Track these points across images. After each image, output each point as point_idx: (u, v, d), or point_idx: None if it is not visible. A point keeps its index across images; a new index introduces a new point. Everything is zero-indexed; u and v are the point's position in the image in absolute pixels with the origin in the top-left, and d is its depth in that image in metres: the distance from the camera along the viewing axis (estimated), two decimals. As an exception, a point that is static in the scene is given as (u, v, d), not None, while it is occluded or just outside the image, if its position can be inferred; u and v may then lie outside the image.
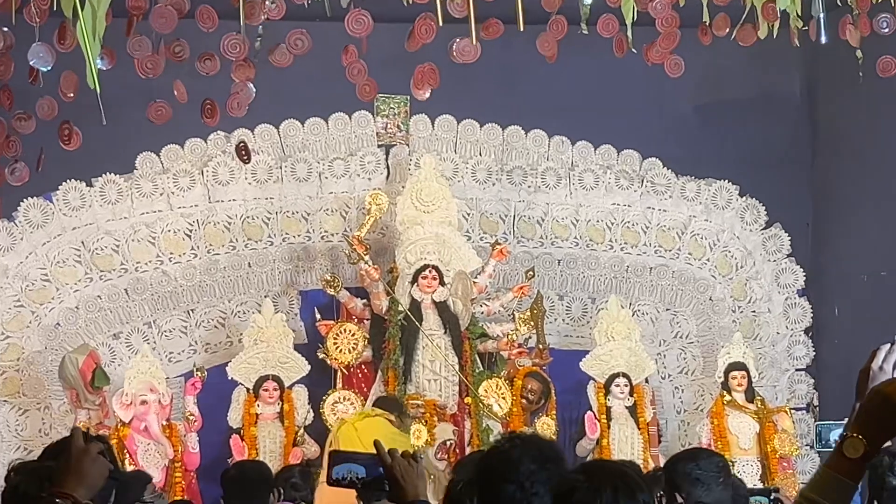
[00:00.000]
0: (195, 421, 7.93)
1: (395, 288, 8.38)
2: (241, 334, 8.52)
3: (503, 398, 8.24)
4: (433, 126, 9.14)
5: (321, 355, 8.27)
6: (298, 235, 8.96)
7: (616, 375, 8.50)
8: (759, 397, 8.66)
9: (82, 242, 8.56)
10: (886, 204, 8.82)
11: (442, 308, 8.31)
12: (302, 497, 5.98)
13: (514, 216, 9.22)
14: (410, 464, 2.66)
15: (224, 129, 8.53)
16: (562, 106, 9.18)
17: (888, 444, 1.97)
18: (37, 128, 6.47)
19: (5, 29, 6.16)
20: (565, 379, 8.74)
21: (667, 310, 9.39)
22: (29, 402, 8.39)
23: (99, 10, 5.63)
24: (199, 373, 8.09)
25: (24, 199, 8.37)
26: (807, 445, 8.94)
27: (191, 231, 8.77)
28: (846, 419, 2.00)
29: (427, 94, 6.86)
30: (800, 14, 6.65)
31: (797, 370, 9.45)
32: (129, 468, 7.32)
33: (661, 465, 6.54)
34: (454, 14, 6.14)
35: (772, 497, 4.95)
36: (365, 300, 8.50)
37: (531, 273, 8.82)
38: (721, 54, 8.01)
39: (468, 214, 9.12)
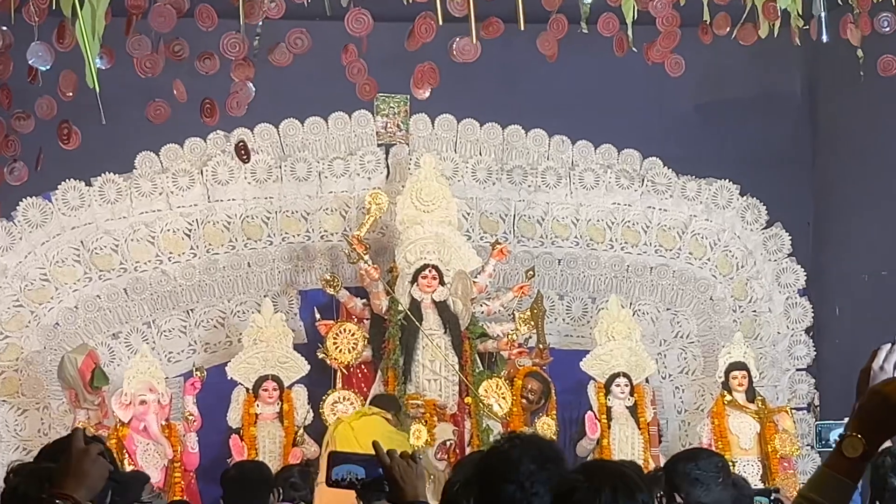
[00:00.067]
0: (194, 421, 7.92)
1: (394, 287, 8.38)
2: (241, 334, 8.52)
3: (503, 398, 8.24)
4: (433, 125, 9.14)
5: (321, 355, 8.27)
6: (298, 235, 8.96)
7: (616, 375, 8.50)
8: (759, 397, 8.66)
9: (81, 242, 8.56)
10: (887, 203, 8.81)
11: (442, 308, 8.31)
12: (301, 497, 5.98)
13: (515, 215, 9.22)
14: (409, 464, 2.65)
15: (223, 128, 8.53)
16: (562, 105, 9.18)
17: (889, 444, 1.97)
18: (36, 127, 6.46)
19: (4, 28, 6.15)
20: (565, 379, 8.74)
21: (667, 309, 9.39)
22: (28, 402, 8.39)
23: (98, 9, 5.62)
24: (198, 373, 8.09)
25: (23, 199, 8.38)
26: (807, 445, 8.94)
27: (190, 230, 8.77)
28: (846, 419, 2.00)
29: (427, 94, 6.85)
30: (800, 13, 6.64)
31: (798, 370, 9.45)
32: (129, 468, 7.32)
33: (662, 465, 6.55)
34: (454, 13, 6.14)
35: (772, 497, 4.95)
36: (365, 300, 8.50)
37: (531, 273, 8.82)
38: (722, 53, 8.01)
39: (468, 214, 9.12)
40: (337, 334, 8.27)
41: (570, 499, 2.46)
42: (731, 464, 7.30)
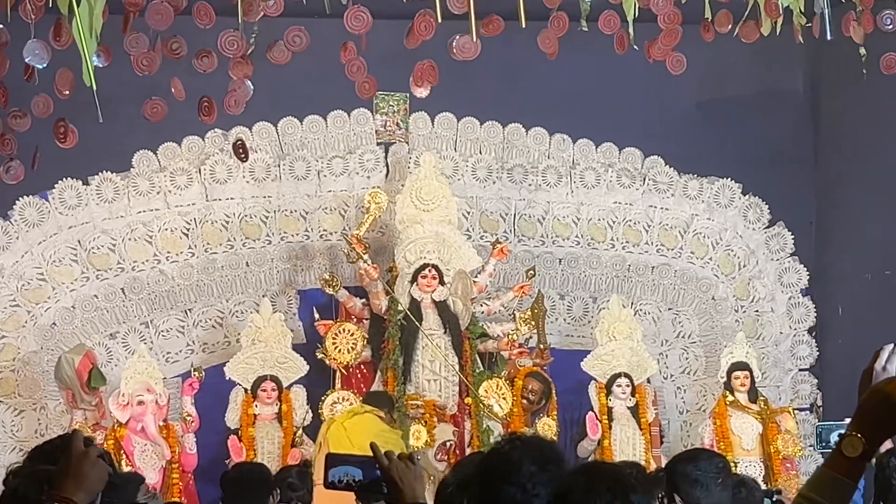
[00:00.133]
0: (192, 422, 7.92)
1: (394, 287, 8.38)
2: (239, 334, 8.52)
3: (504, 398, 8.23)
4: (433, 124, 9.14)
5: (320, 355, 8.27)
6: (297, 234, 8.96)
7: (618, 375, 8.50)
8: (762, 398, 8.65)
9: (79, 241, 8.56)
10: (891, 202, 8.81)
11: (442, 308, 8.30)
12: (298, 498, 5.97)
13: (515, 215, 9.22)
14: (408, 465, 2.65)
15: (222, 126, 8.52)
16: (563, 103, 9.18)
17: (892, 445, 1.97)
18: (32, 126, 6.45)
19: (0, 26, 6.15)
20: (566, 379, 8.74)
21: (669, 309, 9.38)
22: (25, 403, 8.39)
23: (95, 6, 5.62)
24: (196, 373, 8.09)
25: (20, 198, 8.38)
26: (810, 446, 8.93)
27: (188, 230, 8.77)
28: (847, 420, 2.00)
29: (426, 92, 6.84)
30: (803, 10, 6.64)
31: (800, 370, 9.45)
32: (126, 469, 7.32)
33: (663, 466, 6.55)
34: (454, 10, 6.13)
35: (774, 499, 4.95)
36: (364, 299, 8.50)
37: (532, 272, 8.82)
38: (724, 51, 7.99)
39: (468, 213, 9.12)
40: (336, 334, 8.27)
41: (567, 501, 2.46)
42: (733, 465, 7.30)
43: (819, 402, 9.37)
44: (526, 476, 2.63)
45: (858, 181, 9.20)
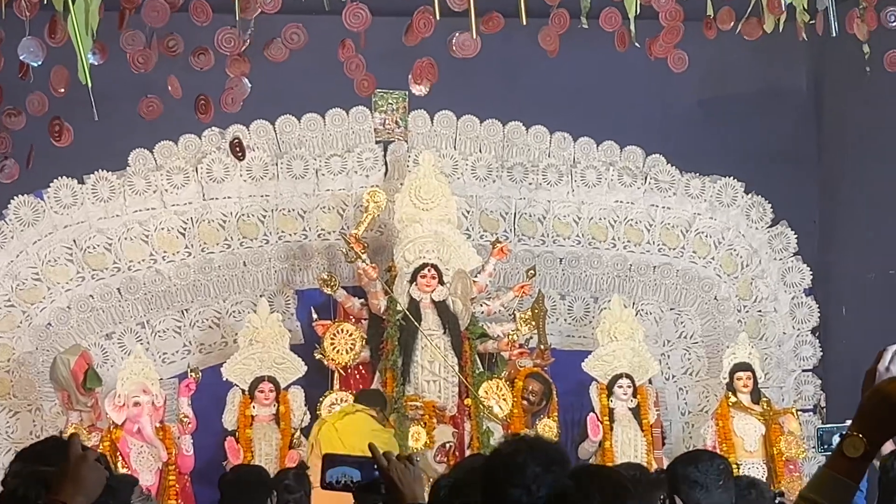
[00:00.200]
0: (189, 423, 7.92)
1: (393, 287, 8.38)
2: (237, 334, 8.51)
3: (504, 399, 8.23)
4: (432, 122, 9.14)
5: (318, 356, 8.27)
6: (295, 233, 8.96)
7: (619, 376, 8.50)
8: (764, 398, 8.65)
9: (74, 241, 8.56)
10: (895, 201, 8.81)
11: (441, 308, 8.31)
12: (296, 500, 5.97)
13: (515, 214, 9.22)
14: (407, 466, 2.65)
15: (219, 125, 8.52)
16: (563, 101, 9.18)
17: (893, 447, 1.97)
18: (27, 124, 6.46)
19: (-5, 23, 6.15)
20: (567, 380, 8.74)
21: (671, 309, 9.39)
22: (20, 404, 8.39)
23: (91, 3, 5.62)
24: (193, 374, 8.09)
25: (15, 197, 8.38)
26: (813, 448, 8.93)
27: (185, 229, 8.77)
28: (848, 422, 2.00)
29: (426, 90, 6.85)
30: (806, 7, 6.65)
31: (804, 371, 9.45)
32: (123, 471, 7.32)
33: (665, 467, 6.55)
34: (454, 7, 6.13)
35: (777, 501, 4.95)
36: (362, 299, 8.50)
37: (532, 272, 8.82)
38: (726, 49, 8.01)
39: (468, 212, 9.12)
40: (334, 335, 8.27)
41: None
42: (735, 466, 7.30)
43: (822, 403, 9.37)
44: (531, 478, 2.63)
45: (862, 180, 9.21)
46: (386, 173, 9.04)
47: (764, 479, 8.24)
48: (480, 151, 9.20)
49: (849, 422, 1.98)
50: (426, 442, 7.91)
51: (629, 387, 8.50)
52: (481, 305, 8.64)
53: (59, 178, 8.48)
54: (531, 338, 8.74)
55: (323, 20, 6.62)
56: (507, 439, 2.87)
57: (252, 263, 8.89)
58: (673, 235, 9.37)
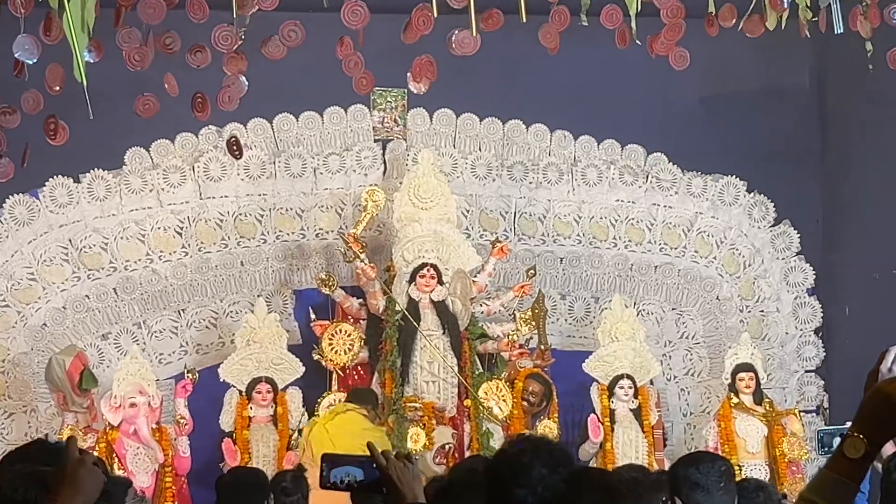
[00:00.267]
0: (186, 424, 7.92)
1: (392, 287, 8.39)
2: (234, 335, 8.52)
3: (503, 400, 8.24)
4: (431, 120, 9.14)
5: (316, 356, 8.27)
6: (292, 233, 8.97)
7: (620, 377, 8.50)
8: (767, 399, 8.66)
9: (69, 240, 8.56)
10: (899, 200, 8.83)
11: (440, 308, 8.31)
12: (292, 502, 5.97)
13: (515, 213, 9.23)
14: (406, 465, 2.66)
15: (216, 123, 8.53)
16: (564, 99, 9.19)
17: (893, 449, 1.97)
18: (22, 122, 6.46)
19: (-11, 20, 6.16)
20: (568, 381, 8.74)
21: (672, 309, 9.39)
22: (15, 405, 8.40)
23: (87, 0, 5.63)
24: (190, 374, 8.09)
25: (10, 196, 8.38)
26: (814, 450, 8.95)
27: (181, 228, 8.78)
28: (849, 424, 2.01)
29: (425, 88, 6.85)
30: (809, 4, 6.65)
31: (807, 371, 9.46)
32: (118, 473, 7.33)
33: (666, 469, 6.55)
34: (453, 4, 6.14)
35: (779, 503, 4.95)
36: (361, 300, 8.50)
37: (532, 272, 8.83)
38: (728, 46, 8.01)
39: (467, 211, 9.12)
40: (332, 335, 8.27)
41: None
42: (738, 468, 7.32)
43: (825, 404, 9.38)
44: (536, 479, 2.64)
45: (866, 178, 9.21)
46: (385, 172, 9.04)
47: (767, 481, 8.26)
48: (480, 150, 9.21)
49: (849, 424, 1.99)
50: (425, 443, 7.92)
51: (630, 388, 8.50)
52: (481, 305, 8.64)
53: (55, 176, 8.49)
54: (531, 338, 8.75)
55: (321, 17, 6.63)
56: (513, 439, 2.88)
57: (249, 263, 8.89)
58: (674, 235, 9.37)
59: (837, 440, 1.93)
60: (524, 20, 6.15)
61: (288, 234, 8.96)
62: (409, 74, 6.78)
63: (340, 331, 8.28)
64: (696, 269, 9.38)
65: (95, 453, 7.26)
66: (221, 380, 8.28)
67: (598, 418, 8.44)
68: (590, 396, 8.59)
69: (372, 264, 8.31)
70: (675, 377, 9.38)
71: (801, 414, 8.89)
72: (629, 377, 8.50)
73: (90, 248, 8.60)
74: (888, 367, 2.24)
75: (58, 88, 6.18)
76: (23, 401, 8.39)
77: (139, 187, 8.68)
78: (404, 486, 2.63)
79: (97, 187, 8.60)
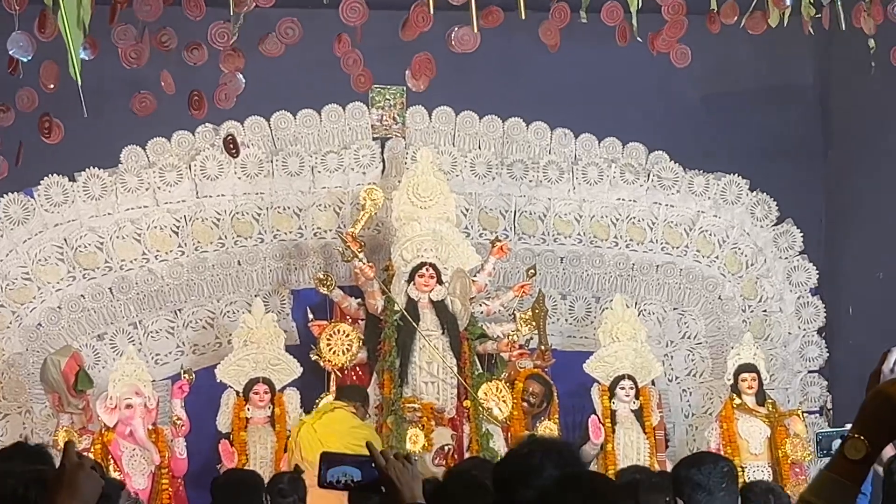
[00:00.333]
0: (182, 425, 7.93)
1: (390, 287, 8.39)
2: (231, 335, 8.53)
3: (503, 401, 8.25)
4: (430, 118, 9.15)
5: (314, 357, 8.28)
6: (290, 232, 8.97)
7: (621, 378, 8.50)
8: (770, 400, 8.67)
9: (65, 239, 8.57)
10: (903, 199, 8.83)
11: (440, 308, 8.32)
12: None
13: (515, 212, 9.23)
14: (405, 465, 2.67)
15: (212, 121, 8.54)
16: (564, 97, 9.19)
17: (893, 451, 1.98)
18: (16, 120, 6.46)
19: (-17, 18, 6.16)
20: (568, 381, 8.75)
21: (674, 309, 9.40)
22: (9, 406, 8.40)
23: (83, -4, 5.63)
24: (186, 375, 8.10)
25: (4, 195, 8.39)
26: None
27: (178, 227, 8.78)
28: (848, 426, 2.02)
29: (424, 85, 6.85)
30: (811, 1, 6.65)
31: (810, 372, 9.46)
32: (115, 475, 7.33)
33: (668, 470, 6.56)
34: (452, 2, 6.14)
35: (788, 506, 4.94)
36: (359, 299, 8.51)
37: (532, 271, 8.83)
38: (730, 43, 8.02)
39: (467, 210, 9.13)
40: (331, 335, 8.28)
41: None
42: (740, 469, 7.32)
43: (829, 405, 9.39)
44: (546, 480, 2.66)
45: (870, 177, 9.21)
46: (383, 170, 9.05)
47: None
48: (480, 148, 9.22)
49: (849, 426, 1.99)
50: (424, 444, 7.93)
51: (631, 388, 8.50)
52: (481, 305, 8.65)
53: (50, 175, 8.49)
54: (531, 338, 8.75)
55: (319, 14, 6.63)
56: (524, 440, 2.89)
57: (247, 262, 8.90)
58: (676, 234, 9.38)
59: (836, 443, 1.94)
60: (523, 17, 6.15)
61: (285, 234, 8.96)
62: (407, 72, 6.78)
63: (339, 331, 8.29)
64: (698, 268, 9.38)
65: (91, 455, 7.28)
66: (218, 380, 8.29)
67: (599, 419, 8.45)
68: (590, 397, 8.60)
69: (370, 264, 8.32)
70: (676, 378, 9.38)
71: (805, 415, 8.90)
72: (630, 378, 8.51)
73: (86, 247, 8.60)
74: (890, 368, 2.25)
75: (52, 86, 6.18)
76: (17, 402, 8.39)
77: (135, 186, 8.68)
78: (403, 486, 2.64)
79: (93, 186, 8.61)
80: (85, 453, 6.21)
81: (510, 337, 8.44)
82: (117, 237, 8.66)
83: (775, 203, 9.43)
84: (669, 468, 7.14)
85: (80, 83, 5.59)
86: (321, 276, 8.44)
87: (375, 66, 6.79)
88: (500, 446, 8.20)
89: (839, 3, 6.67)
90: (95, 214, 8.63)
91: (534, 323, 8.63)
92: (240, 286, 8.89)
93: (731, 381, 8.64)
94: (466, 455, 7.99)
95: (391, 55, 7.15)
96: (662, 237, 9.36)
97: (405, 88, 8.58)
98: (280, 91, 8.72)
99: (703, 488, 3.78)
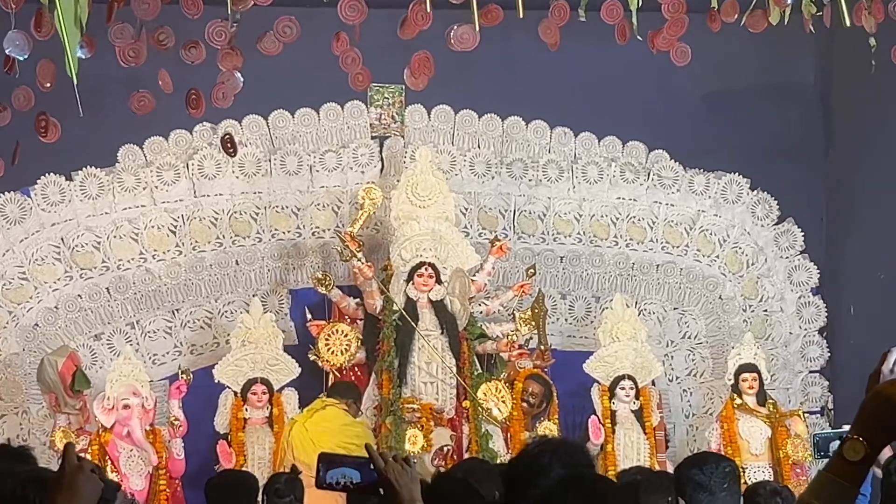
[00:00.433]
0: (180, 426, 7.94)
1: (389, 286, 8.40)
2: (229, 335, 8.54)
3: (503, 402, 8.26)
4: (429, 117, 9.15)
5: (312, 357, 8.29)
6: (288, 231, 8.98)
7: (621, 378, 8.51)
8: (770, 400, 8.68)
9: (62, 239, 8.57)
10: (905, 198, 8.84)
11: (439, 307, 8.33)
12: (285, 504, 5.99)
13: (515, 211, 9.24)
14: (404, 467, 2.68)
15: (210, 120, 8.54)
16: (564, 95, 9.20)
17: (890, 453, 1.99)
18: (12, 119, 6.46)
19: (-21, 16, 6.16)
20: (568, 381, 8.76)
21: (674, 309, 9.41)
22: (6, 407, 8.40)
23: (81, -6, 5.63)
24: (184, 375, 8.10)
25: (1, 194, 8.39)
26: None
27: (175, 227, 8.79)
28: (846, 427, 2.02)
29: (423, 84, 6.86)
30: (812, -1, 6.66)
31: (811, 372, 9.47)
32: (112, 476, 7.34)
33: (668, 471, 6.57)
34: (451, 0, 6.15)
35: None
36: (358, 299, 8.52)
37: (532, 271, 8.84)
38: (730, 41, 8.01)
39: (466, 209, 9.14)
40: (329, 335, 8.29)
41: None
42: (741, 470, 7.33)
43: (830, 406, 9.40)
44: (554, 479, 2.67)
45: (871, 176, 9.22)
46: (382, 169, 9.06)
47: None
48: (479, 147, 9.22)
49: (847, 427, 2.00)
50: (423, 445, 7.94)
51: (632, 388, 8.51)
52: (480, 305, 8.66)
53: (47, 174, 8.50)
54: (531, 338, 8.76)
55: (317, 13, 6.64)
56: (534, 441, 2.92)
57: (244, 262, 8.90)
58: (676, 233, 9.39)
59: (834, 444, 1.95)
60: (521, 15, 6.15)
61: (284, 233, 8.97)
62: (406, 70, 6.79)
63: (337, 331, 8.30)
64: (699, 267, 9.39)
65: (88, 456, 7.28)
66: (216, 381, 8.29)
67: (599, 420, 8.46)
68: (590, 397, 8.61)
69: (369, 263, 8.33)
70: (677, 378, 9.39)
71: (806, 415, 8.90)
72: (630, 378, 8.52)
73: (83, 246, 8.61)
74: (889, 369, 2.26)
75: (49, 85, 6.18)
76: (14, 402, 8.40)
77: (132, 185, 8.69)
78: (402, 488, 2.65)
79: (90, 185, 8.61)
80: (82, 454, 6.23)
81: (510, 337, 8.45)
82: (114, 237, 8.66)
83: (776, 202, 9.44)
84: (670, 469, 7.17)
85: (76, 82, 5.59)
86: (319, 276, 8.44)
87: (374, 64, 6.79)
88: (499, 447, 8.22)
89: (842, 0, 6.66)
90: (92, 214, 8.63)
91: (533, 323, 8.64)
92: (238, 286, 8.90)
93: (732, 382, 8.65)
94: (466, 456, 8.00)
95: (390, 54, 7.15)
96: (663, 236, 9.37)
97: (404, 87, 8.59)
98: (278, 90, 8.72)
99: (704, 488, 3.79)
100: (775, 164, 9.46)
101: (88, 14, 5.67)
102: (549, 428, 8.29)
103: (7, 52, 5.91)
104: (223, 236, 8.87)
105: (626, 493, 4.29)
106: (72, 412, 7.96)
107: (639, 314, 9.00)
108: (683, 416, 9.38)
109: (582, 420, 8.63)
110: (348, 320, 8.49)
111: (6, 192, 8.39)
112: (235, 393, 8.28)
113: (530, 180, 9.20)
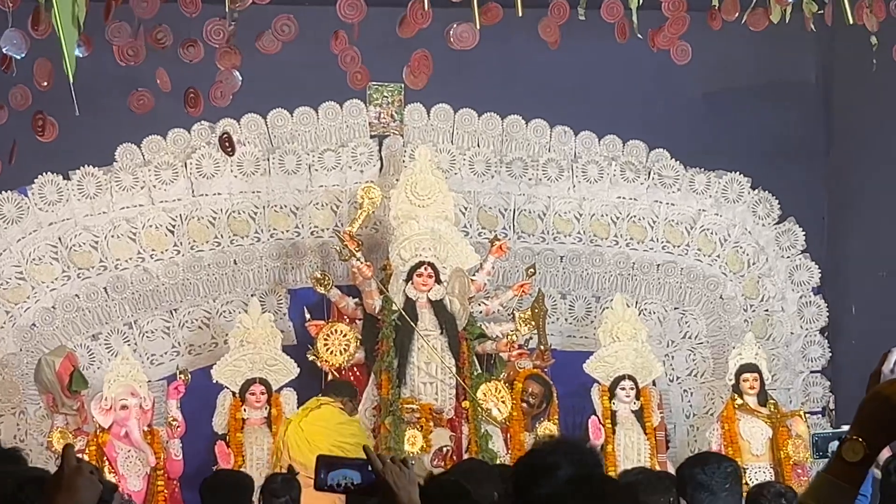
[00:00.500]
0: (178, 426, 7.94)
1: (388, 286, 8.40)
2: (227, 335, 8.54)
3: (503, 402, 8.26)
4: (429, 115, 9.16)
5: (311, 357, 8.29)
6: (287, 231, 8.98)
7: (621, 378, 8.52)
8: (772, 401, 8.68)
9: (59, 238, 8.58)
10: (906, 197, 8.85)
11: (438, 307, 8.33)
12: (282, 504, 6.00)
13: (514, 210, 9.24)
14: (402, 469, 2.68)
15: (208, 119, 8.54)
16: (564, 94, 9.19)
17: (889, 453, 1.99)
18: (10, 118, 6.47)
19: (-24, 15, 6.16)
20: (568, 382, 8.76)
21: (675, 309, 9.41)
22: (3, 407, 8.41)
23: (79, -7, 5.64)
24: (182, 376, 8.10)
25: (-2, 194, 8.40)
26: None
27: (173, 226, 8.79)
28: (845, 427, 2.03)
29: (422, 83, 6.86)
30: (814, -3, 6.67)
31: (812, 372, 9.48)
32: (110, 477, 7.35)
33: (669, 471, 6.57)
34: (451, -2, 6.16)
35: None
36: (357, 299, 8.52)
37: (532, 270, 8.84)
38: (731, 40, 8.02)
39: (466, 208, 9.14)
40: (328, 335, 8.29)
41: None
42: (742, 470, 7.33)
43: (831, 406, 9.40)
44: (561, 478, 2.68)
45: (873, 175, 9.23)
46: (381, 169, 9.06)
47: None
48: (478, 146, 9.23)
49: (846, 427, 2.00)
50: (422, 446, 7.94)
51: (632, 389, 8.51)
52: (479, 305, 8.66)
53: (44, 174, 8.49)
54: (531, 338, 8.76)
55: (315, 11, 6.65)
56: (543, 440, 2.92)
57: (243, 262, 8.91)
58: (677, 232, 9.39)
59: (833, 444, 1.95)
60: (520, 14, 6.16)
61: (282, 232, 8.97)
62: (405, 69, 6.79)
63: (336, 331, 8.30)
64: (700, 267, 9.40)
65: (86, 457, 7.29)
66: (214, 381, 8.30)
67: (599, 420, 8.46)
68: (590, 397, 8.61)
69: (368, 263, 8.33)
70: (677, 378, 9.40)
71: (807, 415, 8.90)
72: (631, 378, 8.52)
73: (80, 246, 8.61)
74: (890, 369, 2.26)
75: (46, 84, 6.19)
76: (11, 402, 8.40)
77: (130, 184, 8.69)
78: (400, 490, 2.65)
79: (87, 184, 8.62)
80: (79, 455, 6.23)
81: (509, 337, 8.45)
82: (112, 236, 8.67)
83: (777, 201, 9.44)
84: (670, 469, 7.17)
85: (72, 81, 5.60)
86: (318, 276, 8.45)
87: (373, 63, 6.80)
88: (499, 447, 8.22)
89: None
90: (90, 213, 8.64)
91: (533, 322, 8.65)
92: (236, 286, 8.90)
93: (733, 382, 8.65)
94: (465, 456, 8.00)
95: (389, 52, 7.16)
96: (663, 236, 9.37)
97: (403, 86, 8.59)
98: (277, 88, 8.72)
99: (706, 488, 3.80)
100: (776, 163, 9.47)
101: (86, 12, 5.67)
102: (548, 428, 8.30)
103: (4, 50, 5.92)
104: (221, 236, 8.88)
105: (628, 493, 4.31)
106: (69, 413, 7.96)
107: (639, 314, 9.00)
108: (684, 417, 9.38)
109: (582, 420, 8.64)
110: (347, 320, 8.49)
111: (3, 192, 8.39)
112: (234, 393, 8.28)
113: (530, 179, 9.20)
